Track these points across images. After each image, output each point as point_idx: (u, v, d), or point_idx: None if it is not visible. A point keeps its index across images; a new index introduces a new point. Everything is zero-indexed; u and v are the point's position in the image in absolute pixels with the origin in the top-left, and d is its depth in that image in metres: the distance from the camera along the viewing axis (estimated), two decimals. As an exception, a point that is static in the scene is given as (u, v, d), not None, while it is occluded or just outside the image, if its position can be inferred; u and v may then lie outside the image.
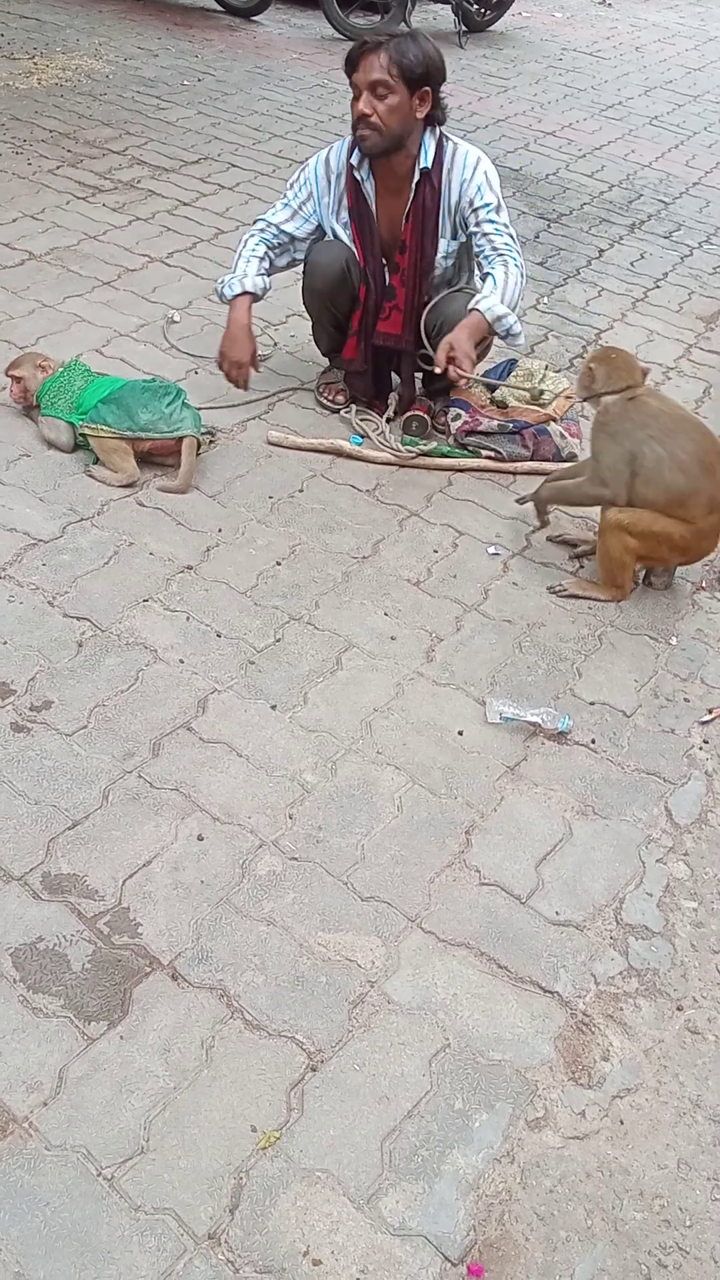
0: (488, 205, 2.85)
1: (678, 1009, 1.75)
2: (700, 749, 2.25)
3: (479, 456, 3.07)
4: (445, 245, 2.95)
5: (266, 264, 3.04)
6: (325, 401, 3.24)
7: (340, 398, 3.23)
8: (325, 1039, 1.64)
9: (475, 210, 2.86)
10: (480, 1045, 1.66)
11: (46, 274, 3.81)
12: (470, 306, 2.83)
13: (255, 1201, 1.45)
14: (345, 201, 2.94)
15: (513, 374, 3.29)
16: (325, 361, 3.31)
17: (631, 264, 4.55)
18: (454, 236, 2.94)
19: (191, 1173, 1.47)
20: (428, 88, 2.74)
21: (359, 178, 2.89)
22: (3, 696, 2.15)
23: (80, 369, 2.95)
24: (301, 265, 3.09)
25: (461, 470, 3.05)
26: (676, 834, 2.06)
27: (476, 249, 2.90)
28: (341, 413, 3.19)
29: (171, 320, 3.61)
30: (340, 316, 3.07)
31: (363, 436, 3.11)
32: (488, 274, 2.87)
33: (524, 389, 3.24)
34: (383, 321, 3.04)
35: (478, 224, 2.87)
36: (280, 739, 2.15)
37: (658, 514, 2.47)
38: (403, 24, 7.40)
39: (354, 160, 2.87)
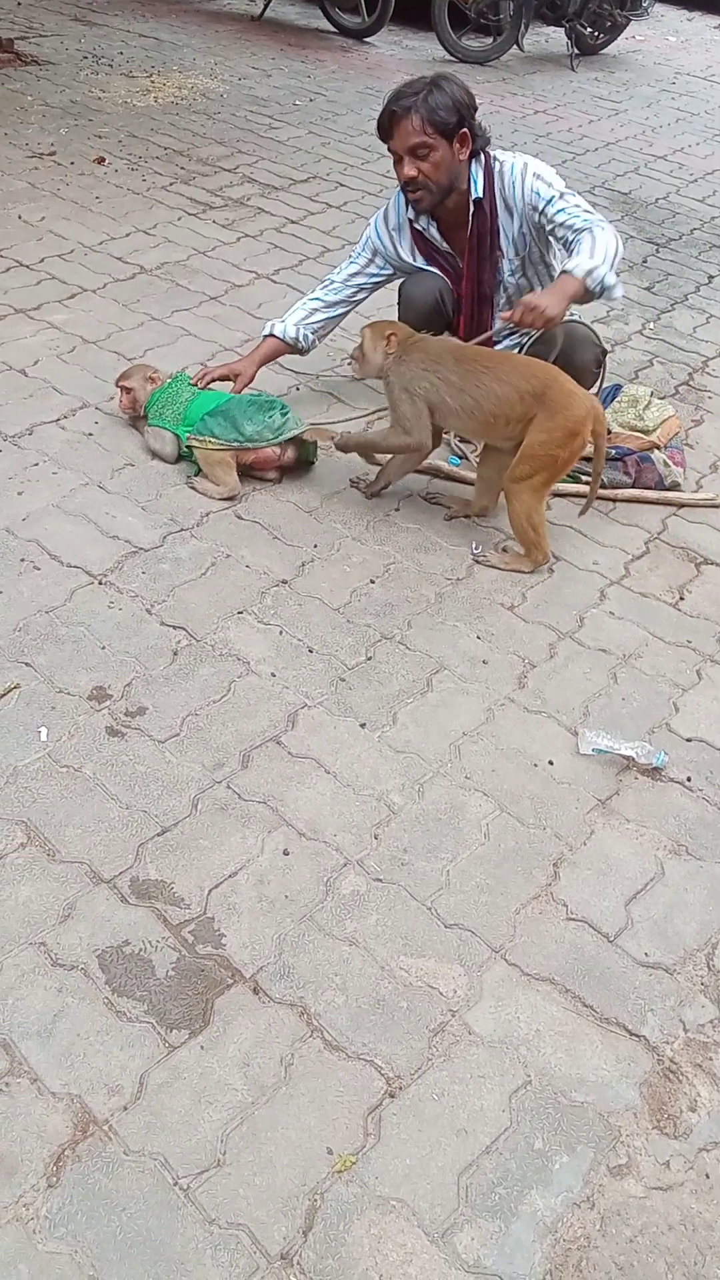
0: (549, 200, 2.82)
1: (770, 1063, 1.69)
2: None
3: (578, 482, 3.03)
4: (509, 263, 2.97)
5: (319, 318, 3.13)
6: None
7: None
8: (404, 1065, 1.62)
9: (542, 211, 2.84)
10: (562, 1085, 1.62)
11: (156, 288, 3.89)
12: (561, 270, 2.73)
13: (329, 1225, 1.43)
14: (417, 250, 3.02)
15: (617, 400, 3.24)
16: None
17: (698, 287, 4.46)
18: (518, 252, 2.95)
19: (266, 1190, 1.46)
20: (464, 129, 2.76)
21: (421, 228, 2.96)
22: (99, 700, 2.19)
23: (187, 381, 3.00)
24: (397, 299, 3.17)
25: (559, 495, 3.01)
26: (773, 880, 1.99)
27: (560, 241, 2.86)
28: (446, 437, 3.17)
29: (275, 336, 3.65)
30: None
31: (461, 457, 3.10)
32: (573, 244, 2.78)
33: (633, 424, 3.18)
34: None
35: (549, 220, 2.84)
36: (368, 758, 2.14)
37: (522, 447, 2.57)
38: (515, 47, 7.42)
39: (411, 215, 2.95)
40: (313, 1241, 1.41)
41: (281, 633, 2.43)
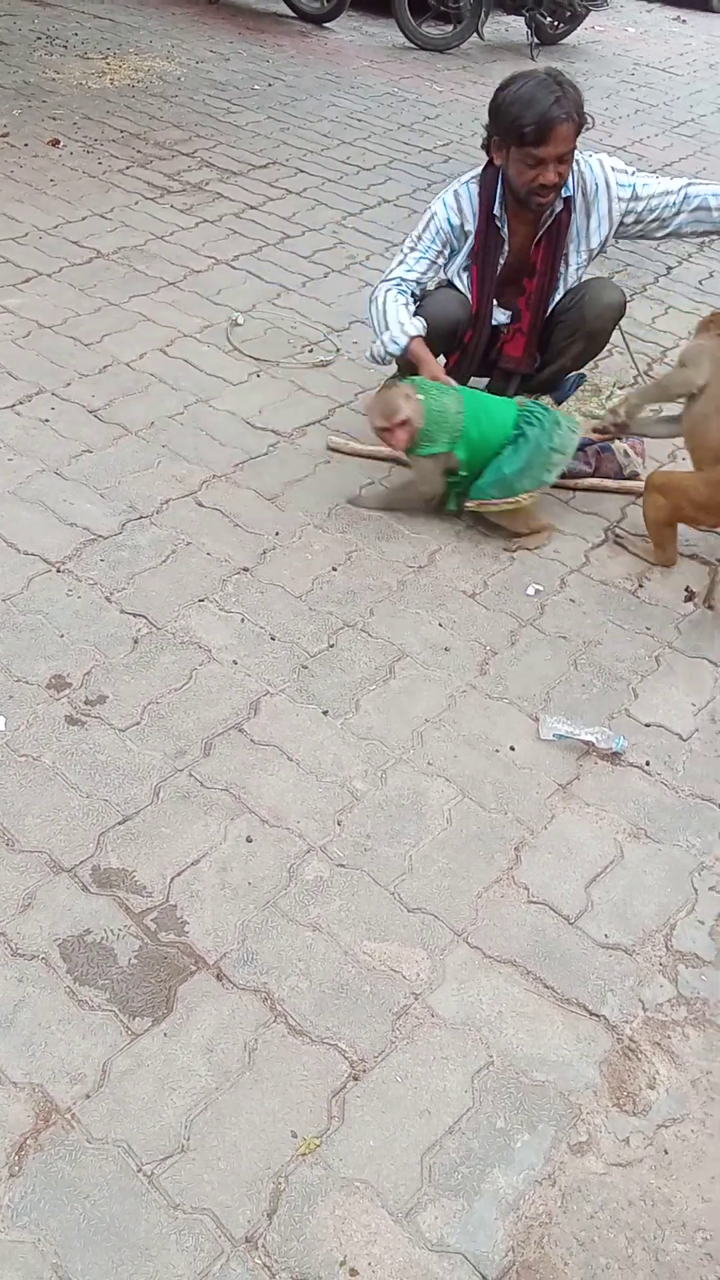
0: (631, 186, 2.87)
1: (726, 1040, 1.72)
2: (756, 776, 2.21)
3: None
4: (577, 259, 2.96)
5: (412, 307, 2.91)
6: None
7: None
8: (368, 1049, 1.63)
9: (633, 200, 2.87)
10: (524, 1065, 1.64)
11: (113, 273, 3.85)
12: None
13: (293, 1208, 1.44)
14: (473, 247, 2.92)
15: (580, 389, 3.26)
16: (390, 370, 3.30)
17: (700, 282, 4.51)
18: (589, 251, 2.95)
19: (231, 1174, 1.47)
20: None
21: (499, 225, 2.89)
22: (58, 689, 2.17)
23: (435, 389, 2.71)
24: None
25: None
26: (730, 862, 2.02)
27: (657, 212, 2.89)
28: None
29: (235, 323, 3.63)
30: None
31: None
32: (696, 200, 2.87)
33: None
34: (507, 344, 3.04)
35: (635, 199, 2.87)
36: (331, 745, 2.15)
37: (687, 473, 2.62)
38: (475, 35, 7.42)
39: (496, 211, 2.86)
40: (277, 1224, 1.42)
41: (243, 620, 2.42)
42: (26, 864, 1.83)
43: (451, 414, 2.65)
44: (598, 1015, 1.72)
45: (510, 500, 2.71)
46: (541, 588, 2.64)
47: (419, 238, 2.94)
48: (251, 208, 4.56)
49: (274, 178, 4.91)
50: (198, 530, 2.67)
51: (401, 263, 2.95)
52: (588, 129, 2.75)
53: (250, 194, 4.70)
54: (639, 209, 2.90)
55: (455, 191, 2.90)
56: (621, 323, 3.13)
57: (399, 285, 2.92)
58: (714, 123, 6.84)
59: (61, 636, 2.30)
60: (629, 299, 4.16)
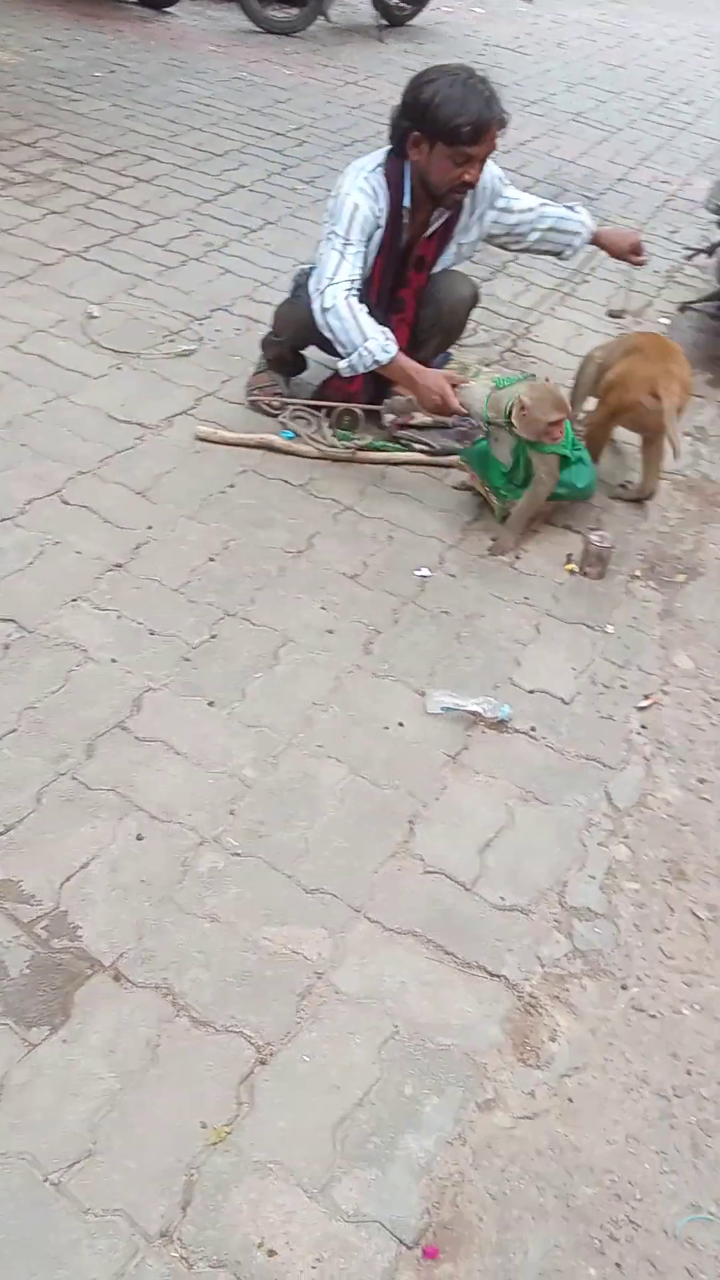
0: (510, 199, 3.01)
1: (622, 988, 1.78)
2: (638, 734, 2.29)
3: (412, 450, 3.07)
4: (446, 255, 3.01)
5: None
6: (263, 406, 3.16)
7: (276, 401, 3.14)
8: (273, 1032, 1.63)
9: (504, 212, 3.00)
10: (429, 1031, 1.66)
11: (-39, 269, 3.71)
12: (590, 225, 3.14)
13: (207, 1197, 1.43)
14: (381, 241, 2.86)
15: (446, 367, 3.30)
16: (254, 358, 3.27)
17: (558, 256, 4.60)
18: (458, 246, 3.00)
19: (141, 1172, 1.45)
20: None
21: (406, 220, 2.86)
22: (-70, 700, 2.10)
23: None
24: (292, 293, 3.01)
25: (395, 464, 3.05)
26: (617, 817, 2.09)
27: (519, 230, 3.06)
28: (280, 418, 3.09)
29: (91, 315, 3.54)
30: (309, 344, 3.04)
31: (294, 431, 3.09)
32: (551, 221, 3.07)
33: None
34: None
35: (513, 216, 3.02)
36: (219, 735, 2.13)
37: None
38: (321, 18, 7.39)
39: (407, 203, 2.83)
40: (192, 1215, 1.41)
41: (120, 617, 2.37)
42: None
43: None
44: (498, 976, 1.76)
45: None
46: (429, 571, 2.67)
47: (348, 231, 2.76)
48: (101, 197, 4.45)
49: (122, 166, 4.81)
50: (65, 529, 2.60)
51: (342, 261, 2.75)
52: (504, 130, 2.75)
53: (98, 183, 4.58)
54: (509, 221, 3.00)
55: (368, 178, 2.80)
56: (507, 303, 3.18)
57: (352, 289, 2.75)
58: (564, 101, 6.99)
59: (-71, 647, 2.22)
60: (488, 280, 4.24)
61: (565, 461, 2.74)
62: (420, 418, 3.09)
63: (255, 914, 1.80)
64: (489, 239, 3.09)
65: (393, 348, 2.74)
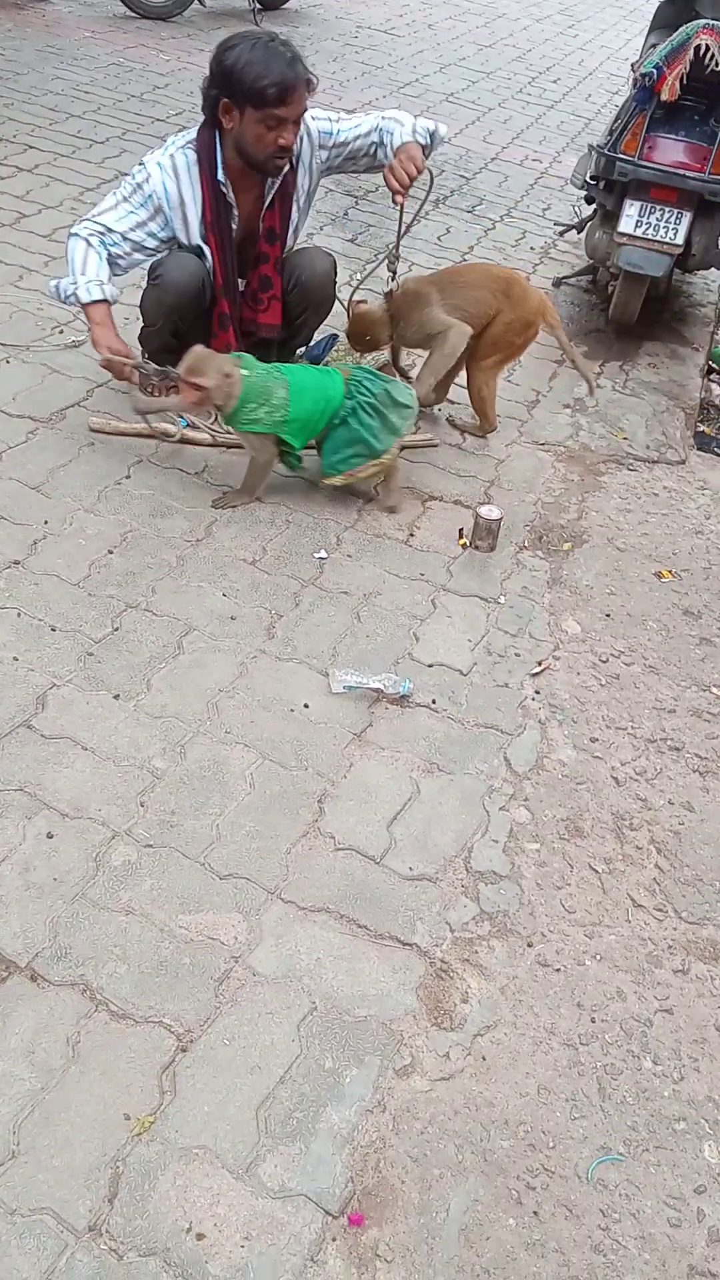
0: (336, 132, 2.92)
1: (528, 945, 1.84)
2: (533, 699, 2.35)
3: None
4: (296, 215, 2.99)
5: (108, 268, 2.81)
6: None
7: (171, 394, 3.11)
8: (193, 1019, 1.65)
9: (333, 147, 2.93)
10: (346, 1004, 1.70)
11: None
12: (395, 147, 2.82)
13: (134, 1188, 1.44)
14: (204, 218, 2.84)
15: (334, 349, 3.32)
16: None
17: (439, 238, 4.65)
18: (299, 205, 2.98)
19: (66, 1170, 1.45)
20: None
21: (224, 191, 2.81)
22: None
23: (260, 367, 2.71)
24: (149, 280, 2.94)
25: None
26: (516, 782, 2.15)
27: (364, 147, 2.94)
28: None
29: (-24, 309, 3.47)
30: (184, 327, 2.96)
31: (189, 420, 3.08)
32: (382, 136, 2.89)
33: None
34: (262, 313, 3.02)
35: (341, 146, 2.93)
36: (126, 728, 2.12)
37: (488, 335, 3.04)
38: (196, 2, 7.29)
39: (221, 177, 2.79)
40: (119, 1207, 1.42)
41: (19, 614, 2.34)
42: None
43: (275, 396, 2.65)
44: (410, 944, 1.80)
45: (376, 462, 2.78)
46: (326, 554, 2.69)
47: (129, 196, 2.82)
48: (-20, 188, 4.34)
49: (2, 155, 4.69)
50: (-42, 529, 2.55)
51: (114, 210, 2.82)
52: (313, 91, 2.76)
53: (-23, 174, 4.47)
54: (343, 152, 2.95)
55: (172, 156, 2.80)
56: (359, 282, 3.20)
57: (104, 236, 2.80)
58: (437, 82, 7.04)
59: None
60: (371, 259, 4.26)
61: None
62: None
63: (170, 904, 1.81)
64: (336, 170, 3.02)
65: (96, 293, 2.77)
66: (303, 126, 2.83)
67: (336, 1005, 1.69)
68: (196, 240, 2.89)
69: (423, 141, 2.83)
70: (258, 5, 7.57)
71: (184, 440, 3.00)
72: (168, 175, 2.79)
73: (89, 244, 2.79)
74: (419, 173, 2.78)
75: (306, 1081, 1.59)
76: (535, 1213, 1.50)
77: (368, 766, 2.13)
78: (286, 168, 2.83)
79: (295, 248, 3.07)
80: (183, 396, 2.65)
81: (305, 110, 2.74)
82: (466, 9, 9.49)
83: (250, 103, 2.65)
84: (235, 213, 2.87)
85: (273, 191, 2.88)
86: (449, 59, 7.67)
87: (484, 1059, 1.66)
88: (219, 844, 1.92)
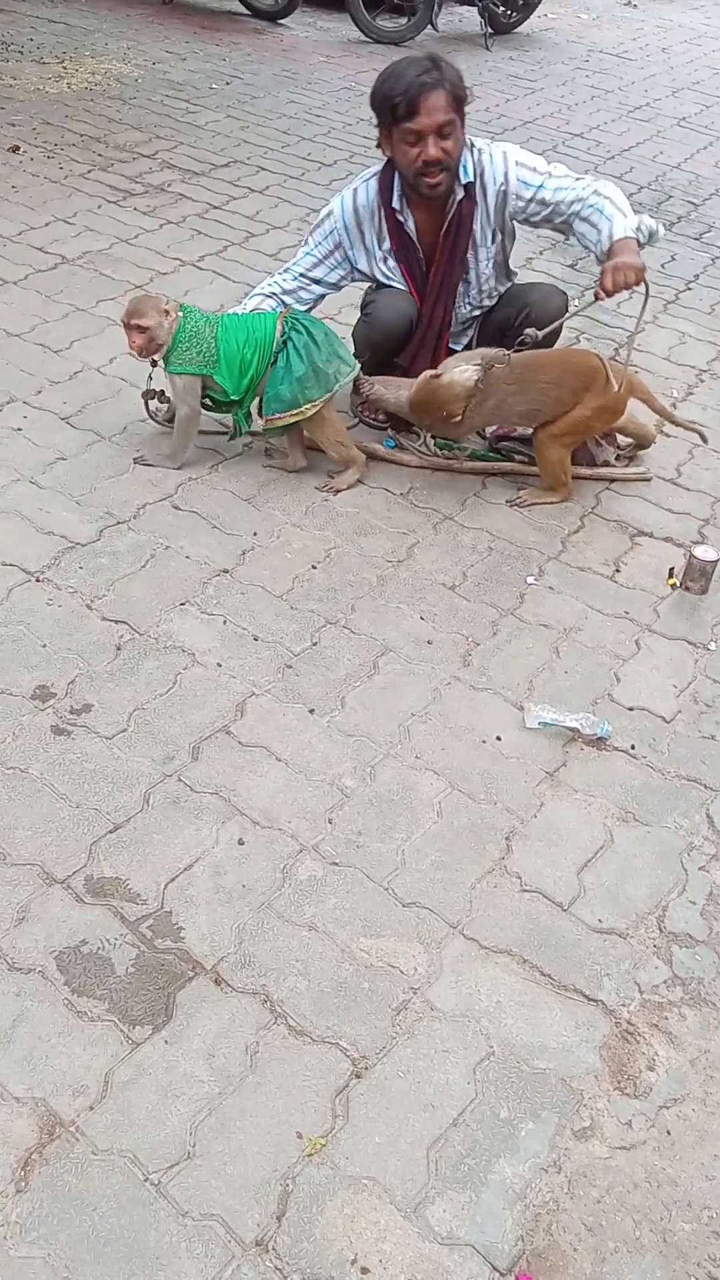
0: (540, 186, 2.78)
1: (723, 1018, 1.74)
2: (741, 756, 2.23)
3: (511, 460, 3.06)
4: (486, 251, 2.92)
5: (275, 304, 2.93)
6: (367, 420, 3.19)
7: (382, 415, 3.14)
8: (369, 1046, 1.64)
9: (531, 201, 2.80)
10: (524, 1053, 1.65)
11: (79, 278, 3.83)
12: (614, 239, 2.66)
13: (302, 1209, 1.44)
14: (390, 245, 2.88)
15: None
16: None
17: (662, 266, 4.53)
18: (493, 240, 2.91)
19: (238, 1179, 1.47)
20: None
21: (401, 219, 2.84)
22: (43, 699, 2.16)
23: (196, 312, 2.74)
24: (362, 312, 3.03)
25: (495, 474, 3.04)
26: (719, 841, 2.04)
27: (569, 216, 2.78)
28: (389, 431, 3.11)
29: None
30: (391, 359, 3.03)
31: (395, 440, 3.10)
32: (590, 213, 2.73)
33: None
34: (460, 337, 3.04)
35: (545, 205, 2.79)
36: (319, 743, 2.15)
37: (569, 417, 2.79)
38: (429, 27, 7.41)
39: (396, 204, 2.81)
40: (286, 1226, 1.42)
41: (225, 622, 2.41)
42: (19, 877, 1.82)
43: (204, 337, 2.68)
44: (595, 1000, 1.74)
45: (295, 411, 2.73)
46: (534, 580, 2.65)
47: (312, 234, 2.95)
48: (215, 207, 4.54)
49: (236, 176, 4.89)
50: (176, 533, 2.66)
51: (286, 270, 2.98)
52: (468, 103, 2.70)
53: (213, 194, 4.68)
54: (542, 211, 2.81)
55: (354, 190, 2.87)
56: (579, 308, 3.13)
57: (281, 276, 2.96)
58: (668, 106, 6.87)
59: (44, 646, 2.29)
60: (591, 286, 4.18)
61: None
62: (520, 430, 3.06)
63: (353, 925, 1.81)
64: (530, 223, 2.89)
65: None
66: (496, 158, 2.78)
67: (515, 1053, 1.65)
68: (380, 268, 2.93)
69: (641, 240, 2.69)
70: (489, 30, 7.62)
71: (391, 460, 3.02)
72: (346, 205, 2.88)
73: (257, 289, 3.01)
74: (638, 284, 2.62)
75: (480, 1128, 1.55)
76: (715, 1307, 1.40)
77: (559, 808, 2.07)
78: (456, 192, 2.78)
79: (530, 281, 3.03)
80: (129, 341, 2.71)
81: (451, 122, 2.64)
82: (703, 33, 9.23)
83: (389, 120, 2.67)
84: (415, 240, 2.87)
85: (449, 219, 2.83)
86: (682, 83, 7.47)
87: (669, 1133, 1.57)
88: (403, 870, 1.91)
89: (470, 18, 8.00)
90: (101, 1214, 1.42)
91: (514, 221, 2.90)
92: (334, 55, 7.13)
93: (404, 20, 7.52)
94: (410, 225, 2.85)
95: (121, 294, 3.73)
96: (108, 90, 5.84)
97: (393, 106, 2.63)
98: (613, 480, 3.08)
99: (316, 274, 2.96)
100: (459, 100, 2.66)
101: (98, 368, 3.30)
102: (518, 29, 8.08)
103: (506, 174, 2.80)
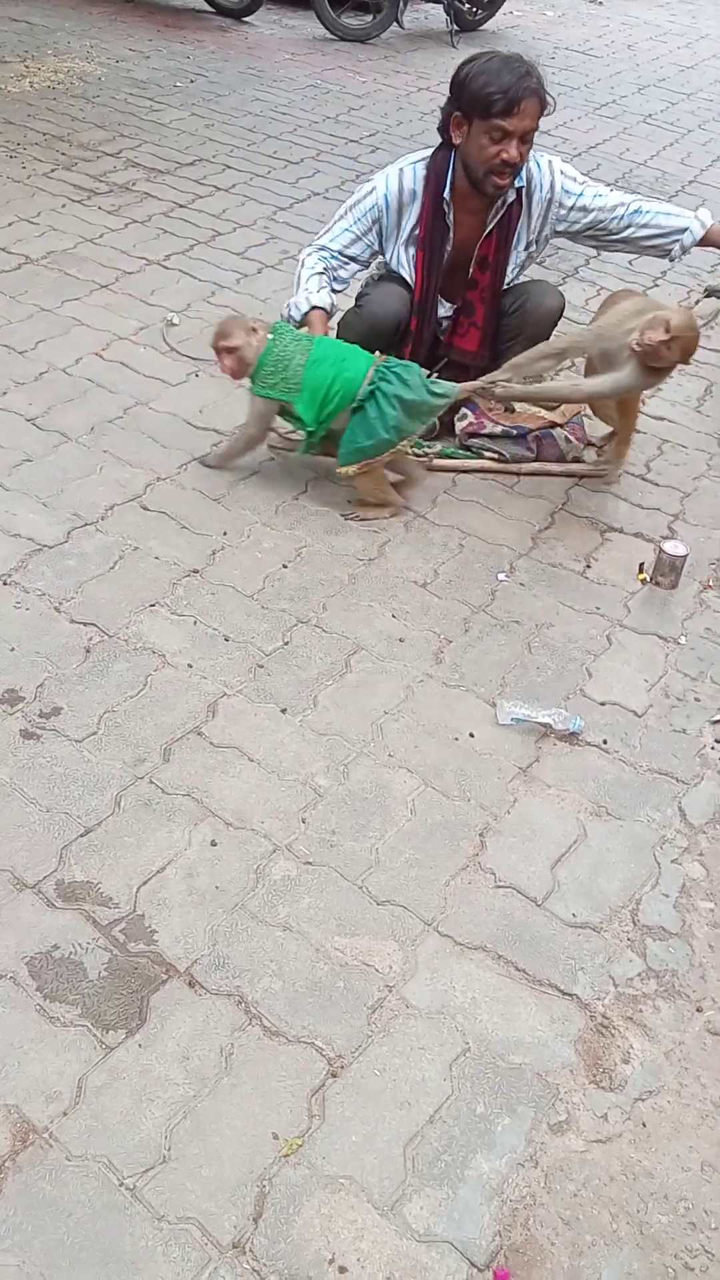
0: (580, 194, 2.88)
1: (697, 1010, 1.75)
2: (712, 749, 2.24)
3: (482, 458, 3.06)
4: (516, 257, 2.96)
5: (327, 280, 2.94)
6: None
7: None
8: (345, 1045, 1.63)
9: (573, 209, 2.88)
10: (500, 1049, 1.65)
11: (44, 278, 3.80)
12: (706, 225, 2.87)
13: (279, 1210, 1.44)
14: (417, 231, 2.89)
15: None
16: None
17: (630, 262, 4.54)
18: (527, 247, 2.95)
19: (214, 1181, 1.46)
20: None
21: (446, 210, 2.85)
22: (11, 704, 2.14)
23: (290, 332, 2.73)
24: (357, 301, 3.04)
25: (465, 471, 3.04)
26: (691, 834, 2.05)
27: (605, 224, 2.90)
28: None
29: (170, 323, 3.60)
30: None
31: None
32: (645, 218, 2.88)
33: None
34: (459, 338, 3.03)
35: (586, 211, 2.88)
36: (291, 743, 2.14)
37: None
38: (395, 24, 7.41)
39: (446, 195, 2.82)
40: (263, 1227, 1.42)
41: (196, 623, 2.40)
42: (-12, 883, 1.81)
43: (293, 364, 2.65)
44: (570, 994, 1.74)
45: (392, 451, 2.69)
46: (504, 576, 2.65)
47: (351, 209, 2.93)
48: (181, 206, 4.52)
49: (201, 175, 4.87)
50: (145, 534, 2.64)
51: (329, 231, 2.96)
52: (549, 113, 2.74)
53: (178, 192, 4.65)
54: (583, 219, 2.90)
55: (401, 170, 2.87)
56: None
57: (321, 252, 2.94)
58: (634, 103, 6.90)
59: (12, 650, 2.27)
60: (560, 283, 4.20)
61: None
62: (491, 427, 3.06)
63: (327, 924, 1.80)
64: (572, 236, 2.98)
65: (304, 307, 2.88)
66: (543, 167, 2.83)
67: (490, 1048, 1.65)
68: (399, 252, 2.93)
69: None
70: (455, 27, 7.63)
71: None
72: (392, 185, 2.87)
73: (306, 262, 2.95)
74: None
75: (457, 1124, 1.55)
76: (692, 1297, 1.41)
77: (533, 803, 2.07)
78: (509, 191, 2.80)
79: (529, 279, 3.05)
80: (220, 364, 2.73)
81: (534, 129, 2.70)
82: (668, 30, 9.28)
83: (477, 112, 2.67)
84: (451, 234, 2.88)
85: (494, 221, 2.86)
86: (648, 80, 7.51)
87: (644, 1125, 1.58)
88: (378, 869, 1.91)
89: (436, 15, 8.01)
90: (76, 1220, 1.40)
91: (553, 230, 2.95)
92: (299, 52, 7.12)
93: (369, 17, 7.51)
94: (450, 218, 2.87)
95: (87, 294, 3.71)
96: (71, 89, 5.79)
97: (487, 99, 2.65)
98: (582, 476, 3.09)
99: (353, 251, 2.96)
100: (544, 110, 2.72)
101: (64, 368, 3.28)
102: (483, 26, 8.09)
103: (553, 183, 2.86)
